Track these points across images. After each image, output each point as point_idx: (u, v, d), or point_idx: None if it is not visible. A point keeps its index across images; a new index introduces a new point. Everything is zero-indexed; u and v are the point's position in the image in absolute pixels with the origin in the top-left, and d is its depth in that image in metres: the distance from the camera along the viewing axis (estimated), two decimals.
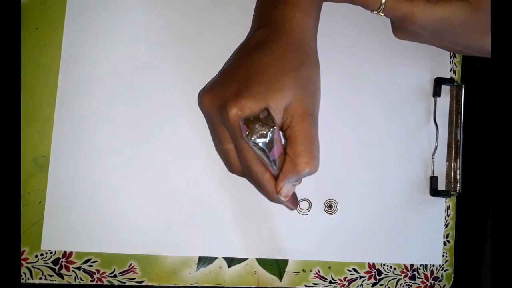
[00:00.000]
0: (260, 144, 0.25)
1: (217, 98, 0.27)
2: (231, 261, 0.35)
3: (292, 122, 0.27)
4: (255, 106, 0.25)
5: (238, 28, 0.36)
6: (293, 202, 0.30)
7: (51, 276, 0.33)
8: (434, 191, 0.37)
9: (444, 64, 0.39)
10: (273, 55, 0.27)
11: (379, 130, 0.37)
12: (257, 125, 0.25)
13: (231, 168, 0.30)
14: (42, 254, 0.33)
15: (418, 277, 0.38)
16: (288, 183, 0.28)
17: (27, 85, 0.34)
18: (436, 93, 0.38)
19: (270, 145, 0.25)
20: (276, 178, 0.28)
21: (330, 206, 0.36)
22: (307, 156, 0.26)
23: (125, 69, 0.35)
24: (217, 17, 0.36)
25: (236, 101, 0.26)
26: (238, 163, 0.28)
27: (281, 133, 0.28)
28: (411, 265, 0.38)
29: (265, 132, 0.25)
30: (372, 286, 0.37)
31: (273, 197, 0.29)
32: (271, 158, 0.26)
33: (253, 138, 0.25)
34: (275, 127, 0.25)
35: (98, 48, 0.35)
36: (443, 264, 0.38)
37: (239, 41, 0.34)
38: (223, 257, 0.35)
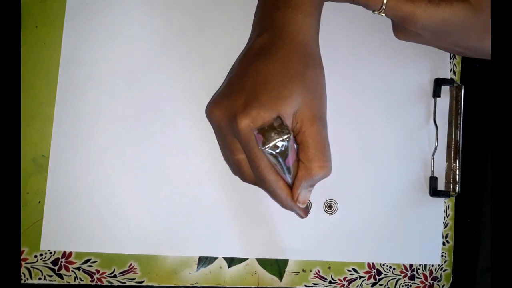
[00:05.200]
0: (276, 152, 0.25)
1: (226, 109, 0.27)
2: (231, 261, 0.35)
3: (303, 127, 0.27)
4: (266, 116, 0.25)
5: (238, 26, 0.36)
6: (305, 210, 0.30)
7: (50, 276, 0.33)
8: (434, 192, 0.38)
9: (444, 65, 0.39)
10: (278, 61, 0.27)
11: (379, 131, 0.38)
12: (273, 134, 0.25)
13: (243, 177, 0.30)
14: (41, 254, 0.33)
15: (417, 277, 0.38)
16: (305, 189, 0.28)
17: (27, 84, 0.34)
18: (436, 93, 0.38)
19: (285, 152, 0.25)
20: (290, 185, 0.28)
21: (330, 206, 0.37)
22: (320, 161, 0.26)
23: (125, 68, 0.35)
24: (218, 15, 0.36)
25: (246, 112, 0.25)
26: (251, 172, 0.28)
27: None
28: (411, 265, 0.38)
29: (281, 140, 0.25)
30: (372, 286, 0.37)
31: (286, 204, 0.29)
32: (286, 165, 0.26)
33: (270, 146, 0.25)
34: (290, 134, 0.25)
35: (98, 47, 0.34)
36: (442, 264, 0.38)
37: (240, 40, 0.34)
38: (223, 257, 0.35)
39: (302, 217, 0.31)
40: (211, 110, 0.28)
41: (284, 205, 0.29)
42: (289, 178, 0.28)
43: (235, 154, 0.28)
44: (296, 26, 0.28)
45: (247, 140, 0.26)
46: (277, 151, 0.25)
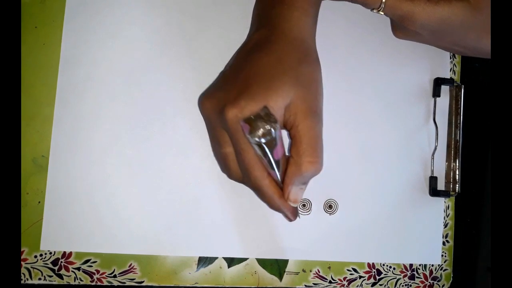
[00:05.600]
0: (263, 140, 0.25)
1: (217, 101, 0.27)
2: (231, 261, 0.35)
3: (296, 121, 0.26)
4: (254, 106, 0.25)
5: (238, 27, 0.36)
6: (293, 212, 0.29)
7: (50, 276, 0.33)
8: (434, 191, 0.38)
9: (444, 65, 0.39)
10: (272, 56, 0.27)
11: (379, 130, 0.38)
12: (259, 123, 0.25)
13: (229, 173, 0.29)
14: (41, 255, 0.33)
15: (417, 277, 0.38)
16: (295, 187, 0.27)
17: (26, 85, 0.34)
18: (436, 93, 0.38)
19: (273, 143, 0.25)
20: (277, 183, 0.28)
21: (330, 206, 0.36)
22: (310, 156, 0.26)
23: (125, 68, 0.35)
24: (217, 15, 0.36)
25: (235, 102, 0.25)
26: (237, 168, 0.28)
27: (282, 132, 0.27)
28: (411, 265, 0.38)
29: (267, 128, 0.25)
30: (372, 286, 0.37)
31: (273, 203, 0.28)
32: (275, 158, 0.26)
33: (257, 134, 0.25)
34: (277, 123, 0.25)
35: (97, 47, 0.35)
36: (442, 264, 0.38)
37: (239, 40, 0.34)
38: (223, 257, 0.35)
39: (290, 220, 0.29)
40: (202, 103, 0.28)
41: (271, 204, 0.28)
42: (277, 175, 0.27)
43: (222, 147, 0.28)
44: (291, 23, 0.28)
45: (234, 131, 0.26)
46: (264, 140, 0.25)
